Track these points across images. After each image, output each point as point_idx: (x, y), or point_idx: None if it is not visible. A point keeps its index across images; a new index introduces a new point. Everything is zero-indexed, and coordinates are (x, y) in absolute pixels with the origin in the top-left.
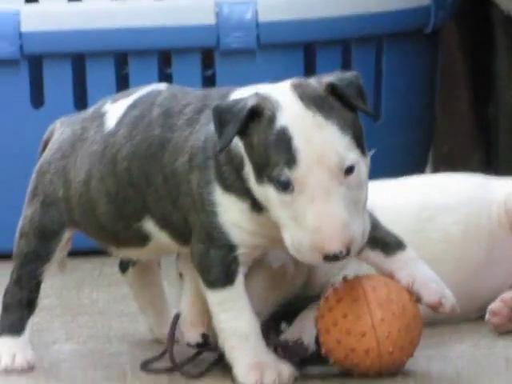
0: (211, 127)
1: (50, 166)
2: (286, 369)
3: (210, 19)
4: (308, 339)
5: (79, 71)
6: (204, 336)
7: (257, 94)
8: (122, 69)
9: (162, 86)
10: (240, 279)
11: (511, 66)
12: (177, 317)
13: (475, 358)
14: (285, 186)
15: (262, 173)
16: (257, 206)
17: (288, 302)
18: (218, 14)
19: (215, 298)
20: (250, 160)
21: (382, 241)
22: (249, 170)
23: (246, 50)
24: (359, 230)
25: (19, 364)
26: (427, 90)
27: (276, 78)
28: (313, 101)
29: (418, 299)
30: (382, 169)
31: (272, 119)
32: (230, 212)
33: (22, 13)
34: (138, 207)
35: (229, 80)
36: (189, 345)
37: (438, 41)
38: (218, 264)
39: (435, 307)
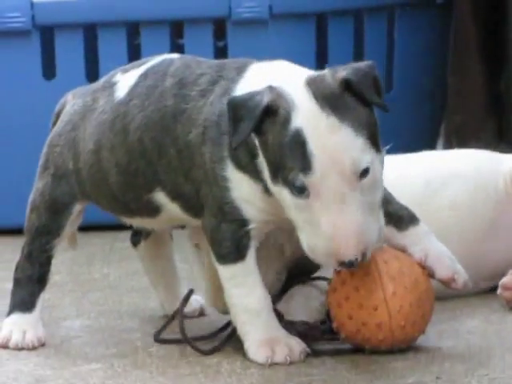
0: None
1: (60, 138)
2: (298, 345)
3: None
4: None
5: (91, 42)
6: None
7: (271, 89)
8: (134, 39)
9: (175, 55)
10: (251, 254)
11: None
12: (190, 292)
13: (486, 334)
14: (300, 191)
15: (277, 174)
16: (269, 190)
17: (286, 278)
18: None
19: (226, 273)
20: (264, 157)
21: (395, 215)
22: (263, 163)
23: (259, 19)
24: (375, 234)
25: (30, 341)
26: (439, 60)
27: (288, 48)
28: (327, 100)
29: (430, 274)
30: (394, 139)
31: (287, 119)
32: (242, 189)
33: None
34: (149, 179)
35: (241, 51)
36: None
37: (451, 11)
38: (229, 238)
39: (448, 282)
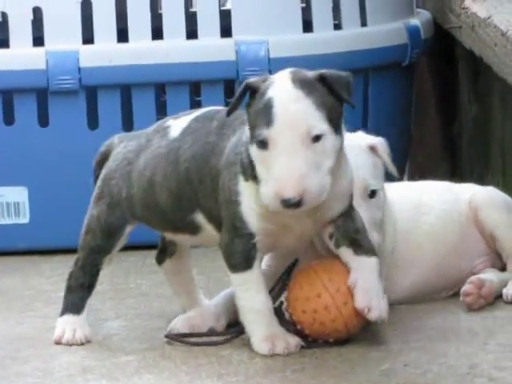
0: (244, 133)
1: (115, 172)
2: (293, 340)
3: (231, 56)
4: None
5: (126, 99)
6: None
7: (260, 76)
8: (161, 97)
9: (220, 107)
10: (257, 264)
11: (471, 93)
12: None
13: (445, 330)
14: (263, 145)
15: (252, 135)
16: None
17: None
18: (237, 52)
19: (237, 280)
20: (248, 126)
21: (358, 243)
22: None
23: None
24: (314, 185)
25: (79, 338)
26: (405, 111)
27: None
28: (300, 81)
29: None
30: None
31: (263, 93)
32: (250, 198)
33: (80, 51)
34: (192, 201)
35: None
36: None
37: (414, 72)
38: (240, 250)
39: (362, 312)
